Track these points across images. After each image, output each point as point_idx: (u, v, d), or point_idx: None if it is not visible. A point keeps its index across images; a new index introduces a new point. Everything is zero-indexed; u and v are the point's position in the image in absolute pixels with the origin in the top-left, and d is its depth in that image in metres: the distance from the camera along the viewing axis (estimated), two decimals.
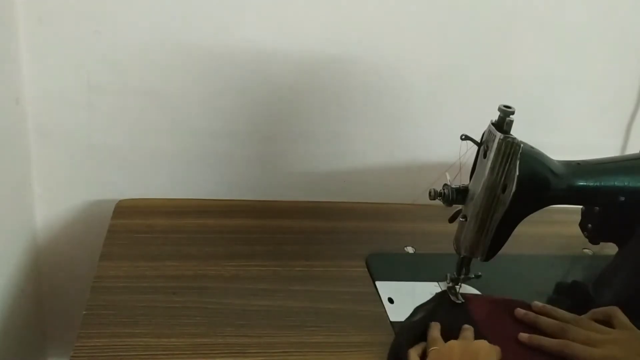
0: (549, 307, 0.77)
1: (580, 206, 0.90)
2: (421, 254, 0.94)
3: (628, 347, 0.69)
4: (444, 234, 0.82)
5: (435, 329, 0.73)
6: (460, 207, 0.75)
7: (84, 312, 0.75)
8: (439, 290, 0.83)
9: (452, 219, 0.77)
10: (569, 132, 1.12)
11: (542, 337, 0.73)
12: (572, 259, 0.98)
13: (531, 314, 0.77)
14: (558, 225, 0.92)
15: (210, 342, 0.73)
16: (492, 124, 0.70)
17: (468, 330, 0.73)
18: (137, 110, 0.97)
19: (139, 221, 0.95)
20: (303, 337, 0.75)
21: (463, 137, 0.70)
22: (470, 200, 0.72)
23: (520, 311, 0.77)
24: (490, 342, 0.69)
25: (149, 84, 0.95)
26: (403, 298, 0.83)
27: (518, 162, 0.68)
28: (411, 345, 0.72)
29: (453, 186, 0.73)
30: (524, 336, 0.74)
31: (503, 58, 1.04)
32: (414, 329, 0.75)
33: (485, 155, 0.70)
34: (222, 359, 0.71)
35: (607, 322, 0.75)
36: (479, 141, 0.72)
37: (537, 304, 0.78)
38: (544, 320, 0.75)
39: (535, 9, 1.01)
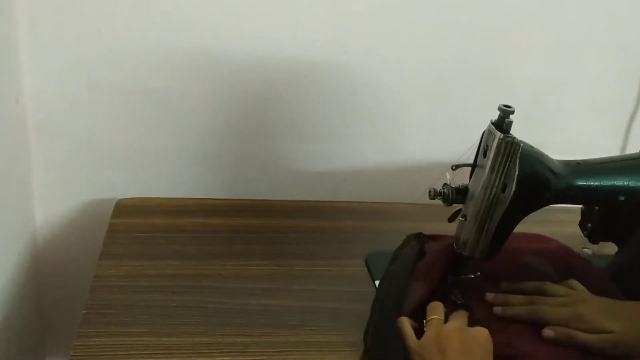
0: (514, 284, 0.80)
1: (580, 206, 0.90)
2: None
3: (592, 306, 0.74)
4: (443, 233, 0.82)
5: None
6: (460, 206, 0.75)
7: (84, 312, 0.75)
8: None
9: (451, 219, 0.77)
10: (569, 132, 1.12)
11: (514, 307, 0.76)
12: None
13: (501, 295, 0.79)
14: (558, 225, 0.92)
15: (210, 341, 0.73)
16: (492, 123, 0.70)
17: (463, 316, 0.72)
18: (137, 110, 0.97)
19: (139, 220, 0.95)
20: (303, 337, 0.75)
21: (453, 167, 0.72)
22: (470, 199, 0.72)
23: (489, 295, 0.79)
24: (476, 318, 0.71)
25: (149, 84, 0.95)
26: None
27: (518, 162, 0.68)
28: (400, 310, 0.72)
29: (453, 186, 0.73)
30: (497, 309, 0.76)
31: (503, 58, 1.04)
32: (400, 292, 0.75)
33: (485, 155, 0.70)
34: (222, 359, 0.71)
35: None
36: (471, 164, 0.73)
37: (504, 284, 0.80)
38: (514, 297, 0.78)
39: (535, 9, 1.01)
